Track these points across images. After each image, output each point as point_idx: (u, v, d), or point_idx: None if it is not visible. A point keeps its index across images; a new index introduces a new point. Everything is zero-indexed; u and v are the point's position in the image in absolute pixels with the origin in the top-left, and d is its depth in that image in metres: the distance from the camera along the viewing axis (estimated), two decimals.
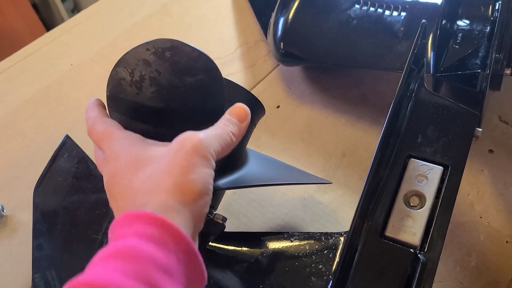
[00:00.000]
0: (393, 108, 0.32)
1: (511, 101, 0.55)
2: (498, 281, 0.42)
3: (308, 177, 0.43)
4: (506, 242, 0.44)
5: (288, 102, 0.58)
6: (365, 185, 0.30)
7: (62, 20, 1.33)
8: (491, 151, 0.51)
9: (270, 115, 0.56)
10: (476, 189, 0.48)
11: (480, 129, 0.37)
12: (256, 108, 0.41)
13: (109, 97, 0.36)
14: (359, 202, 0.30)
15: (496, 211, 0.46)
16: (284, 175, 0.42)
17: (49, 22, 1.40)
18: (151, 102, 0.35)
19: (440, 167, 0.33)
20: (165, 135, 0.37)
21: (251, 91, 0.40)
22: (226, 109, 0.38)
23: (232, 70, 0.61)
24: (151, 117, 0.36)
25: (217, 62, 0.35)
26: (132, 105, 0.36)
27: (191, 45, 0.33)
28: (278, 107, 0.57)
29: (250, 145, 0.42)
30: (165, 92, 0.35)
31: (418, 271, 0.28)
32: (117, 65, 0.34)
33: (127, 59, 0.34)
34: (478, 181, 0.48)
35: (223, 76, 0.36)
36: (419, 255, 0.29)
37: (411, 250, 0.30)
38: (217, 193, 0.39)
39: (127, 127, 0.37)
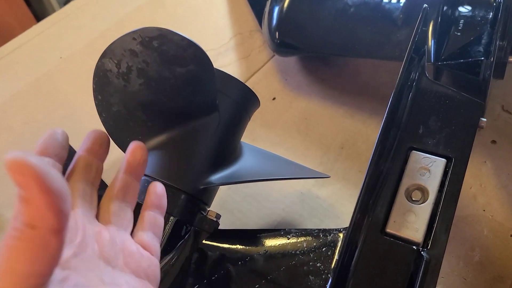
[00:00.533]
0: (393, 99, 0.31)
1: None
2: (503, 276, 0.40)
3: (305, 171, 0.42)
4: (511, 235, 0.43)
5: (284, 93, 0.56)
6: (365, 178, 0.29)
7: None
8: (494, 141, 0.49)
9: (265, 107, 0.55)
10: (479, 181, 0.47)
11: (485, 119, 0.35)
12: (251, 99, 0.39)
13: (95, 90, 0.35)
14: (359, 196, 0.28)
15: (500, 203, 0.45)
16: (280, 169, 0.40)
17: (41, 16, 1.38)
18: (139, 94, 0.34)
19: (443, 159, 0.31)
20: (156, 128, 0.35)
21: (245, 83, 0.39)
22: (219, 100, 0.36)
23: (226, 61, 0.60)
24: (140, 111, 0.35)
25: (210, 53, 0.33)
26: (120, 98, 0.34)
27: (180, 33, 0.31)
28: (274, 99, 0.56)
29: (244, 139, 0.41)
30: (154, 84, 0.33)
31: (421, 269, 0.27)
32: (103, 55, 0.33)
33: (113, 49, 0.32)
34: (481, 173, 0.47)
35: (217, 67, 0.35)
36: (422, 252, 0.28)
37: (414, 247, 0.28)
38: (211, 189, 0.37)
39: (117, 120, 0.36)
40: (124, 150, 0.37)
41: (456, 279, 0.40)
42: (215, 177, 0.36)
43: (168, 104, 0.34)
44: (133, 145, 0.30)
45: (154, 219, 0.30)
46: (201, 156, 0.36)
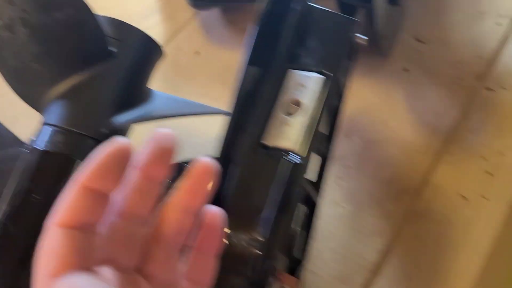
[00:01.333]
0: (261, 20, 0.32)
1: (427, 20, 0.55)
2: (408, 187, 0.43)
3: (218, 110, 0.43)
4: (418, 152, 0.45)
5: (208, 47, 0.57)
6: (235, 98, 0.30)
7: None
8: (406, 70, 0.51)
9: (190, 62, 0.56)
10: (390, 108, 0.49)
11: (366, 38, 0.37)
12: (151, 47, 0.41)
13: None
14: (231, 114, 0.30)
15: (410, 126, 0.47)
16: (190, 109, 0.42)
17: None
18: (28, 46, 0.35)
19: (318, 75, 0.33)
20: (54, 77, 0.37)
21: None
22: (114, 47, 0.37)
23: (152, 23, 0.60)
24: (34, 62, 0.36)
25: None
26: (12, 52, 0.35)
27: None
28: (197, 53, 0.57)
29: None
30: (38, 32, 0.34)
31: (289, 171, 0.29)
32: None
33: None
34: (392, 100, 0.49)
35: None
36: (291, 157, 0.30)
37: (285, 153, 0.30)
38: (118, 133, 0.39)
39: (15, 74, 0.37)
40: (30, 104, 0.38)
41: (364, 195, 0.43)
42: (120, 118, 0.37)
43: (60, 52, 0.35)
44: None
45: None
46: (104, 101, 0.37)
